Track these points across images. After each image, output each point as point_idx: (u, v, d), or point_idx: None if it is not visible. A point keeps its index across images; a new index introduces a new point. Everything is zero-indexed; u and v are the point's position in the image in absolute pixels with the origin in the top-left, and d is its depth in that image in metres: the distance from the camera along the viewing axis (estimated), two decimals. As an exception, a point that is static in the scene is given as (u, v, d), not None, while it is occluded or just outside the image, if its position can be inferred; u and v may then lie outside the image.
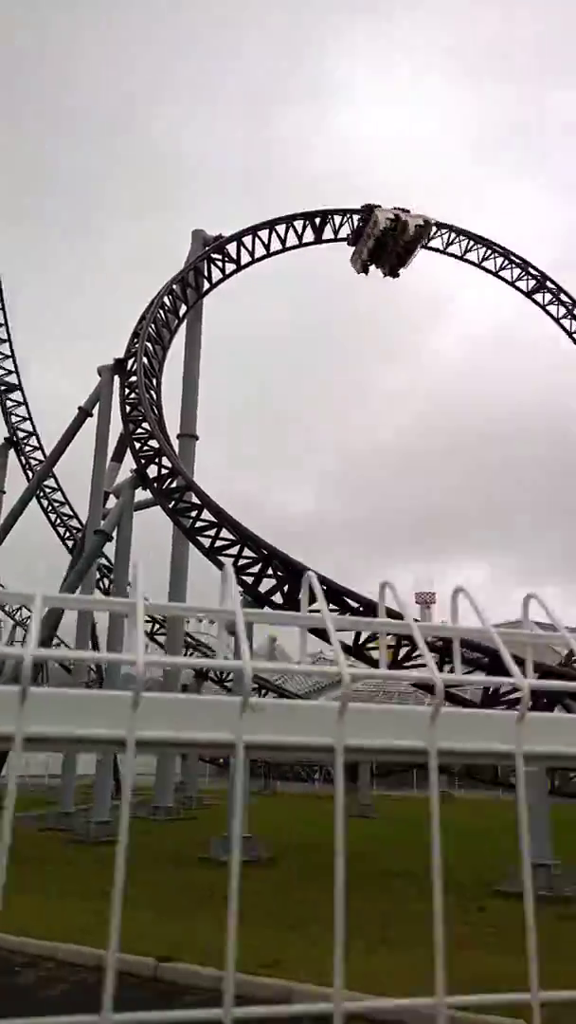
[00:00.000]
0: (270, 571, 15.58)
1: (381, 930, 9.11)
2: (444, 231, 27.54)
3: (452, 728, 0.69)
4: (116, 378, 20.49)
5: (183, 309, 21.51)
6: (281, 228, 24.46)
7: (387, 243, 24.45)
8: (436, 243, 27.63)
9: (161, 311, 20.44)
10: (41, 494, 27.87)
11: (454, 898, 10.86)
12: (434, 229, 26.23)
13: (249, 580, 15.66)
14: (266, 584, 15.67)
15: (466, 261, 27.87)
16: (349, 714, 0.63)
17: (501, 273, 28.54)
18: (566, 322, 28.43)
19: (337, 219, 25.79)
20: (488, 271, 28.48)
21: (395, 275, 25.84)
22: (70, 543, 28.57)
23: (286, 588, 15.32)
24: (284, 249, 24.59)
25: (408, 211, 25.09)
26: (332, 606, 15.00)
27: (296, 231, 24.93)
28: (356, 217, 25.68)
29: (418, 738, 0.68)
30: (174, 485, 17.13)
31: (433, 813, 0.66)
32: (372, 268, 25.77)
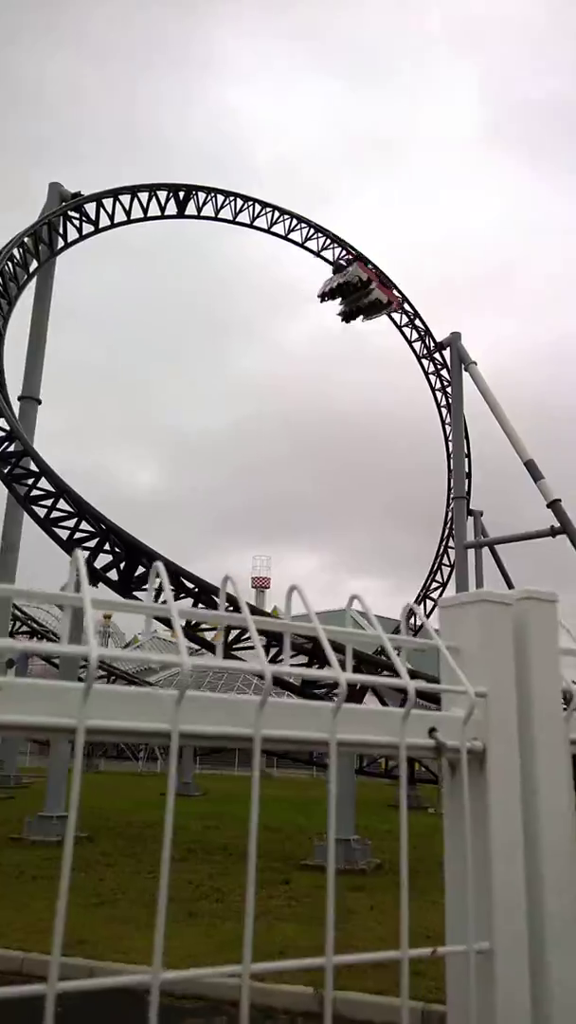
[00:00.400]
0: (107, 547, 15.25)
1: (190, 903, 9.29)
2: (304, 226, 28.16)
3: (195, 712, 0.75)
4: (-46, 329, 19.02)
5: (34, 265, 20.36)
6: (144, 196, 23.79)
7: (347, 294, 25.16)
8: (296, 236, 28.18)
9: (9, 264, 19.22)
10: None
11: (264, 872, 11.28)
12: (396, 312, 27.24)
13: (85, 554, 15.23)
14: (103, 559, 15.33)
15: (322, 258, 28.56)
16: (95, 696, 0.66)
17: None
18: (407, 330, 29.93)
19: (201, 196, 25.50)
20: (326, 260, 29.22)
21: (346, 320, 26.34)
22: None
23: (123, 565, 15.07)
24: (145, 218, 23.95)
25: (389, 286, 25.93)
26: (171, 587, 14.94)
27: (159, 201, 24.36)
28: (334, 248, 26.53)
29: (165, 721, 0.73)
30: (11, 449, 16.24)
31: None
32: (333, 303, 26.20)
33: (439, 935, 0.87)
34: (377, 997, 6.06)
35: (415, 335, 29.73)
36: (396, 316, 29.51)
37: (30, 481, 15.85)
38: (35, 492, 15.76)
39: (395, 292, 27.13)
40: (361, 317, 26.20)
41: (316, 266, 27.88)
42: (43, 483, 15.73)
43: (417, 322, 29.70)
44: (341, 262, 26.57)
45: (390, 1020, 5.83)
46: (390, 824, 16.18)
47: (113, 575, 15.03)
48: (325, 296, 25.95)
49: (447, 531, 29.72)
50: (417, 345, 29.81)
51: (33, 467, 15.84)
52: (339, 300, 25.83)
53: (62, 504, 15.58)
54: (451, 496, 28.82)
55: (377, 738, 0.79)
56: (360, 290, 25.32)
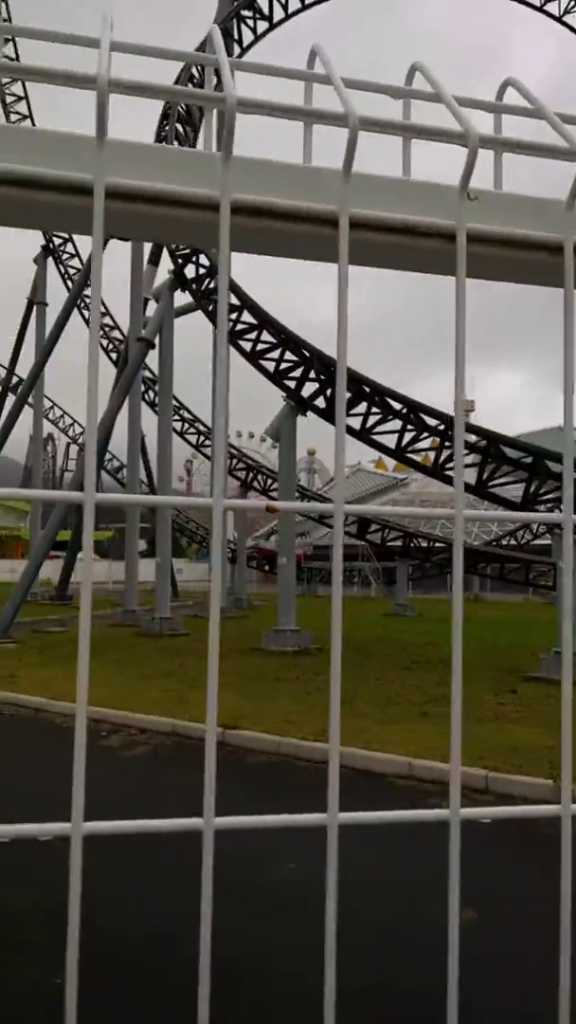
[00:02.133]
0: (312, 374, 15.20)
1: (420, 706, 9.83)
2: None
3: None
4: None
5: (215, 82, 19.28)
6: (316, -27, 21.20)
7: None
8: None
9: (190, 85, 18.37)
10: (82, 304, 26.81)
11: (490, 683, 11.55)
12: None
13: (291, 384, 15.36)
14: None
15: (532, 6, 24.21)
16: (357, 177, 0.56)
17: (565, 19, 24.83)
18: None
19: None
20: (551, 15, 24.76)
21: None
22: (113, 355, 28.19)
23: (328, 392, 15.01)
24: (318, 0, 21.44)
25: None
26: (375, 409, 14.75)
27: (333, -23, 21.63)
28: None
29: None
30: (213, 285, 16.35)
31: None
32: None
33: None
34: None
35: None
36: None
37: (233, 316, 15.94)
38: (239, 326, 15.89)
39: None
40: None
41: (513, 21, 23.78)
42: (246, 316, 15.76)
43: None
44: None
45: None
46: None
47: (320, 402, 15.07)
48: None
49: None
50: None
51: (235, 301, 15.85)
52: None
53: (266, 336, 15.61)
54: None
55: None
56: None
